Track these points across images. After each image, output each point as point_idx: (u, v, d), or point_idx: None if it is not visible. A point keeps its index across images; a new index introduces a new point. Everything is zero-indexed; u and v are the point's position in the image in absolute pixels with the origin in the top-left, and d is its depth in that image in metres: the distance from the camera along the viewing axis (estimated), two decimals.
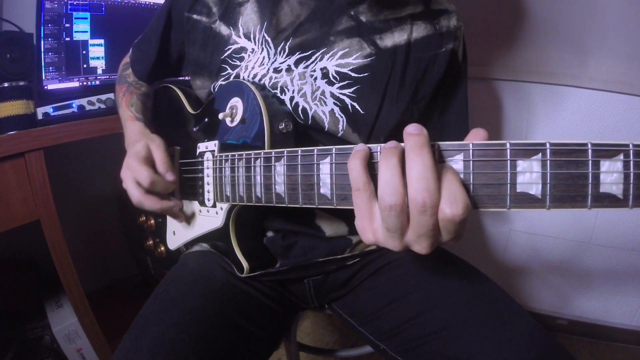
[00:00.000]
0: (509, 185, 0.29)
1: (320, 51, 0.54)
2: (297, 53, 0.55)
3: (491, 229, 1.30)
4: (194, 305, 0.50)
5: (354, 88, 0.53)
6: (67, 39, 0.97)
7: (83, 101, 0.94)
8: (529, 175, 0.29)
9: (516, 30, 1.08)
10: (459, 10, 0.58)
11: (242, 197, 0.50)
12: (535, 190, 0.29)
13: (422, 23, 0.55)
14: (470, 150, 0.31)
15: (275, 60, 0.56)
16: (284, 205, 0.43)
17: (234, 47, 0.58)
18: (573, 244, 1.19)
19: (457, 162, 0.31)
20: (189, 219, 0.63)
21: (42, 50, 0.93)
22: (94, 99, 0.95)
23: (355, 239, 0.61)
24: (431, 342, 0.49)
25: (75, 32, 0.98)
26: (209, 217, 0.58)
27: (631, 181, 0.27)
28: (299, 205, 0.42)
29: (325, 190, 0.38)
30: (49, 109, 0.89)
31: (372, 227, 0.34)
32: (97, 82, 1.05)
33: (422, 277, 0.55)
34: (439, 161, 0.32)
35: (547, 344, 0.45)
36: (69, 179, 1.18)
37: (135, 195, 0.55)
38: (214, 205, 0.56)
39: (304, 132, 0.55)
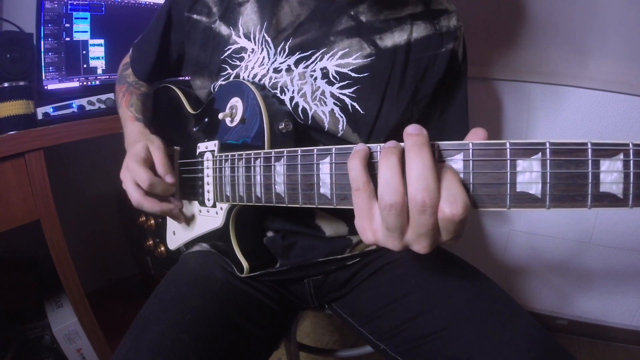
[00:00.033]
0: (508, 184, 0.29)
1: (320, 51, 0.54)
2: (297, 53, 0.55)
3: (491, 229, 1.30)
4: (194, 305, 0.50)
5: (354, 88, 0.53)
6: (67, 39, 0.97)
7: (83, 101, 0.94)
8: (529, 175, 0.29)
9: (516, 30, 1.08)
10: (459, 10, 0.58)
11: (242, 197, 0.50)
12: (535, 189, 0.29)
13: (422, 23, 0.55)
14: (470, 150, 0.31)
15: (275, 60, 0.56)
16: (284, 205, 0.43)
17: (234, 47, 0.58)
18: (573, 244, 1.19)
19: (456, 162, 0.31)
20: (188, 219, 0.63)
21: (42, 50, 0.93)
22: (94, 99, 0.95)
23: (355, 239, 0.61)
24: (431, 342, 0.49)
25: (75, 32, 0.98)
26: (209, 217, 0.58)
27: (631, 180, 0.26)
28: (298, 205, 0.42)
29: (325, 190, 0.38)
30: (49, 109, 0.89)
31: (372, 227, 0.34)
32: (97, 82, 1.05)
33: (422, 277, 0.55)
34: (438, 161, 0.32)
35: (547, 344, 0.45)
36: (69, 179, 1.19)
37: (135, 196, 0.55)
38: (214, 205, 0.56)
39: (304, 132, 0.55)
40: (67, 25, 0.96)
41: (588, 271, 1.20)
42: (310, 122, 0.54)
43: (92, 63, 1.03)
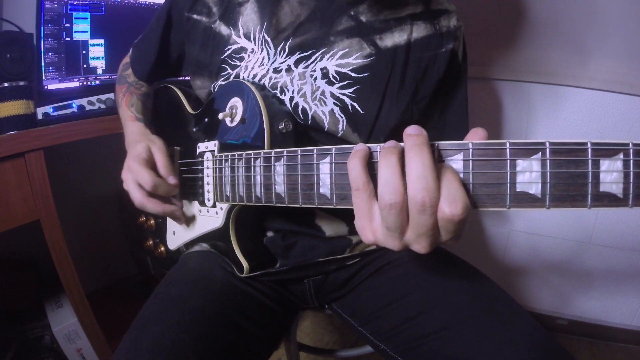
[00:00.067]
0: (508, 184, 0.29)
1: (320, 51, 0.54)
2: (297, 53, 0.55)
3: (491, 229, 1.30)
4: (194, 305, 0.50)
5: (354, 88, 0.53)
6: (67, 39, 0.97)
7: (83, 101, 0.94)
8: (529, 175, 0.29)
9: (516, 30, 1.08)
10: (459, 10, 0.58)
11: (242, 197, 0.50)
12: (535, 189, 0.29)
13: (422, 23, 0.55)
14: (470, 150, 0.31)
15: (275, 60, 0.56)
16: (284, 205, 0.43)
17: (233, 47, 0.58)
18: (573, 244, 1.19)
19: (456, 162, 0.31)
20: (188, 219, 0.63)
21: (42, 50, 0.93)
22: (94, 99, 0.95)
23: (355, 239, 0.61)
24: (431, 342, 0.49)
25: (75, 32, 0.98)
26: (209, 217, 0.58)
27: (631, 180, 0.26)
28: (298, 205, 0.42)
29: (325, 190, 0.38)
30: (49, 109, 0.89)
31: (372, 227, 0.34)
32: (97, 82, 1.05)
33: (422, 277, 0.55)
34: (438, 161, 0.32)
35: (547, 344, 0.45)
36: (69, 179, 1.18)
37: (137, 197, 0.55)
38: (214, 205, 0.56)
39: (303, 132, 0.55)
40: (67, 25, 0.96)
41: (588, 271, 1.20)
42: (310, 122, 0.54)
43: (92, 63, 1.03)
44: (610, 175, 0.27)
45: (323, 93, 0.54)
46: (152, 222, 0.74)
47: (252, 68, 0.57)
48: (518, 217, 1.24)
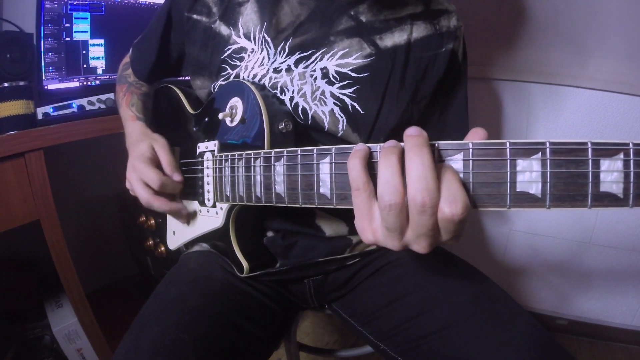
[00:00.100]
0: (508, 184, 0.29)
1: (320, 51, 0.54)
2: (297, 53, 0.55)
3: (491, 229, 1.30)
4: (194, 305, 0.50)
5: (354, 88, 0.53)
6: (67, 39, 0.97)
7: (83, 101, 0.94)
8: (529, 175, 0.29)
9: (516, 30, 1.08)
10: (459, 10, 0.58)
11: (242, 197, 0.50)
12: (535, 189, 0.29)
13: (422, 23, 0.55)
14: (470, 150, 0.30)
15: (275, 60, 0.56)
16: (284, 205, 0.43)
17: (233, 47, 0.58)
18: (573, 244, 1.19)
19: (456, 162, 0.31)
20: (189, 219, 0.63)
21: (42, 50, 0.93)
22: (94, 99, 0.95)
23: (355, 239, 0.61)
24: (431, 342, 0.49)
25: (75, 32, 0.98)
26: (209, 217, 0.58)
27: (631, 180, 0.26)
28: (298, 205, 0.42)
29: (324, 190, 0.38)
30: (49, 109, 0.89)
31: (372, 227, 0.34)
32: (97, 82, 1.05)
33: (422, 277, 0.55)
34: (438, 161, 0.32)
35: (547, 344, 0.45)
36: (69, 179, 1.19)
37: (144, 196, 0.55)
38: (214, 205, 0.56)
39: (304, 132, 0.55)
40: (67, 25, 0.96)
41: (588, 271, 1.20)
42: (310, 122, 0.54)
43: (92, 63, 1.03)
44: (611, 175, 0.27)
45: (323, 93, 0.54)
46: (152, 222, 0.74)
47: (252, 68, 0.57)
48: (518, 217, 1.24)
